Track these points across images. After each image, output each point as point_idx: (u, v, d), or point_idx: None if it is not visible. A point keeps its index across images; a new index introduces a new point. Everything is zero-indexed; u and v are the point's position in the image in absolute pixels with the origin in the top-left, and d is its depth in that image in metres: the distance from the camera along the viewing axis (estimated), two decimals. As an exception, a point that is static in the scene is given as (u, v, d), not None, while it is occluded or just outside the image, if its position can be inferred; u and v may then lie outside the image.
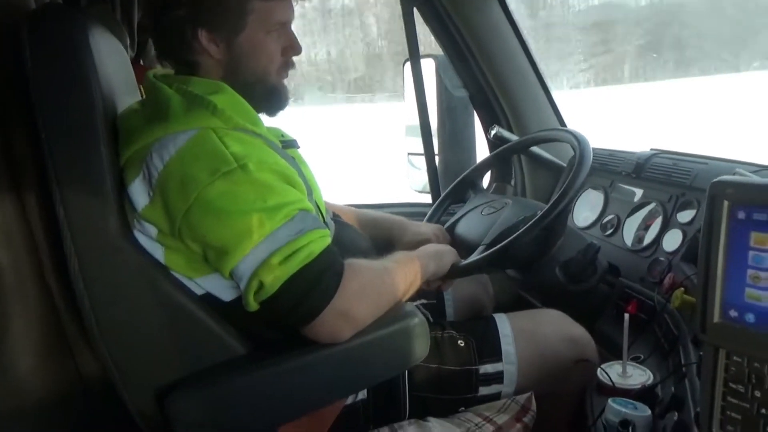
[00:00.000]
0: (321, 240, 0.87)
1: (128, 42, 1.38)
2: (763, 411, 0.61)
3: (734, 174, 1.08)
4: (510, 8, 1.60)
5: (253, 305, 0.86)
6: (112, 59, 0.95)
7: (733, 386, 0.63)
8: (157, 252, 0.87)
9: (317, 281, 0.85)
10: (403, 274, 0.99)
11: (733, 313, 0.63)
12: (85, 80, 0.83)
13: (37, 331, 0.91)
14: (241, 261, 0.83)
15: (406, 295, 1.00)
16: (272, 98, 0.99)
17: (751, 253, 0.61)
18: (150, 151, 0.85)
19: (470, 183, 1.45)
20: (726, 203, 0.62)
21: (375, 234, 1.26)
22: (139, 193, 0.85)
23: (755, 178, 0.96)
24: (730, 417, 0.64)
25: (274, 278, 0.83)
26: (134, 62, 1.32)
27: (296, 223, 0.85)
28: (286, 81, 1.01)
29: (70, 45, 0.83)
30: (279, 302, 0.85)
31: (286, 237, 0.84)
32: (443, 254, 1.11)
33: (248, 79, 0.95)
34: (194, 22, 0.90)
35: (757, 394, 0.61)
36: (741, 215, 0.61)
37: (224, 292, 0.90)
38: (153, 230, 0.86)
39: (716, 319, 0.64)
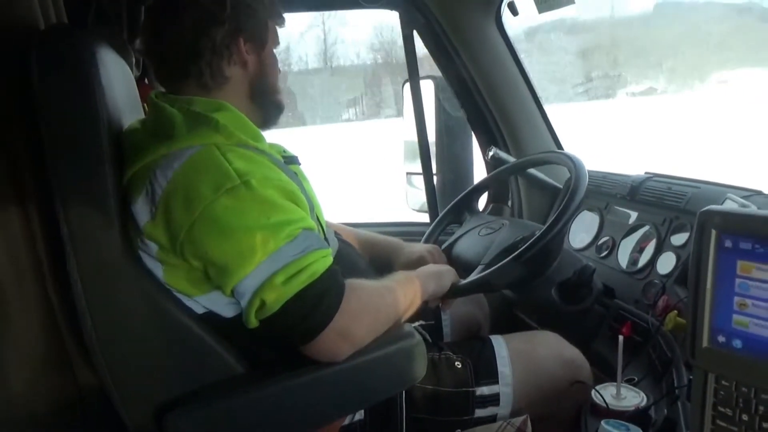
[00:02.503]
0: (323, 260, 0.89)
1: (133, 61, 1.40)
2: (751, 434, 0.62)
3: (725, 199, 1.10)
4: (507, 32, 1.63)
5: (253, 323, 0.87)
6: (117, 78, 0.97)
7: (722, 410, 0.64)
8: (158, 270, 0.88)
9: (319, 301, 0.86)
10: (403, 293, 1.00)
11: (721, 339, 0.64)
12: (91, 99, 0.84)
13: (38, 344, 0.92)
14: (243, 279, 0.84)
15: (406, 314, 1.01)
16: (278, 109, 1.05)
17: (737, 280, 0.62)
18: (154, 168, 0.86)
19: (468, 203, 1.46)
20: (714, 232, 0.64)
21: (371, 254, 1.27)
22: (142, 210, 0.86)
23: (741, 209, 0.98)
24: (720, 440, 0.65)
25: (277, 297, 0.84)
26: (139, 81, 1.34)
27: (300, 242, 0.86)
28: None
29: (77, 64, 0.85)
30: (280, 321, 0.86)
31: (290, 256, 0.85)
32: (443, 274, 1.12)
33: (268, 88, 1.02)
34: (236, 35, 0.95)
35: (745, 417, 0.63)
36: (728, 244, 0.63)
37: (225, 308, 0.91)
38: (154, 247, 0.87)
39: (705, 344, 0.65)
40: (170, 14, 0.94)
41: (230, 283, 0.85)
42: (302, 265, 0.85)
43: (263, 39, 0.99)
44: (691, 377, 0.75)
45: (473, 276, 1.14)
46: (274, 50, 1.04)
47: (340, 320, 0.87)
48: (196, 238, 0.84)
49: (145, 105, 1.20)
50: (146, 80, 1.56)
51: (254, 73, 0.99)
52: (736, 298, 0.63)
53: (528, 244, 1.09)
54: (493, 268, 1.10)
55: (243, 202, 0.84)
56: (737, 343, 0.63)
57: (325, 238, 0.99)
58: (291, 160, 1.06)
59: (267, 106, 1.03)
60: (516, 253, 1.09)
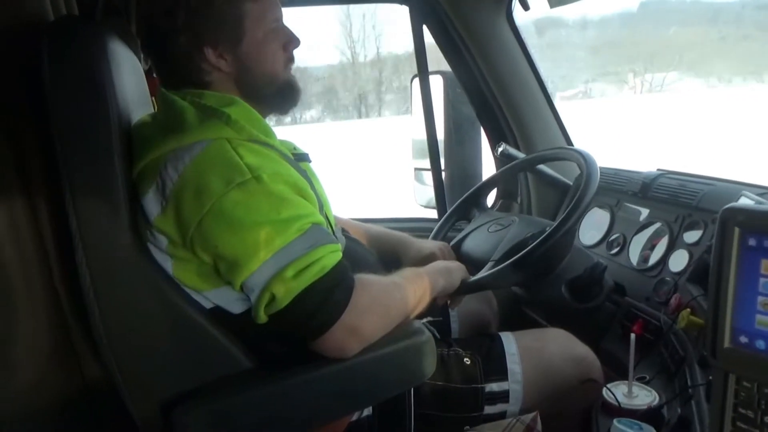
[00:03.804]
0: (333, 254, 0.88)
1: (142, 55, 1.39)
2: (773, 437, 0.61)
3: (740, 196, 1.09)
4: (518, 26, 1.62)
5: (262, 318, 0.86)
6: (127, 71, 0.96)
7: (743, 412, 0.63)
8: (167, 264, 0.88)
9: (329, 296, 0.85)
10: (413, 289, 0.99)
11: (743, 339, 0.63)
12: (101, 92, 0.84)
13: (44, 337, 0.91)
14: (253, 273, 0.83)
15: (416, 310, 1.00)
16: (285, 93, 1.00)
17: (762, 280, 0.61)
18: (165, 161, 0.85)
19: (477, 200, 1.45)
20: (737, 230, 0.63)
21: (380, 250, 1.26)
22: (152, 203, 0.86)
23: (766, 206, 0.96)
24: (739, 443, 0.64)
25: (287, 291, 0.83)
26: (148, 74, 1.33)
27: (309, 237, 0.85)
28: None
29: (87, 57, 0.84)
30: (289, 315, 0.85)
31: (300, 250, 0.84)
32: (453, 270, 1.11)
33: (260, 82, 0.96)
34: (198, 44, 0.91)
35: (767, 420, 0.61)
36: (752, 242, 0.62)
37: (233, 304, 0.90)
38: (164, 241, 0.86)
39: (726, 344, 0.64)
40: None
41: (240, 278, 0.84)
42: (312, 260, 0.85)
43: (235, 35, 0.92)
44: (710, 377, 0.74)
45: (483, 272, 1.13)
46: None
47: (349, 316, 0.86)
48: (206, 232, 0.83)
49: (154, 99, 1.19)
50: (155, 74, 1.55)
51: (235, 71, 0.94)
52: (760, 298, 0.61)
53: (539, 240, 1.07)
54: (504, 264, 1.09)
55: (254, 196, 0.83)
56: (760, 344, 0.62)
57: (335, 236, 0.98)
58: (301, 158, 1.05)
59: (268, 95, 0.98)
60: (527, 249, 1.08)
